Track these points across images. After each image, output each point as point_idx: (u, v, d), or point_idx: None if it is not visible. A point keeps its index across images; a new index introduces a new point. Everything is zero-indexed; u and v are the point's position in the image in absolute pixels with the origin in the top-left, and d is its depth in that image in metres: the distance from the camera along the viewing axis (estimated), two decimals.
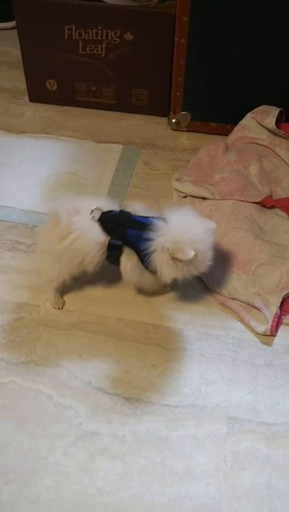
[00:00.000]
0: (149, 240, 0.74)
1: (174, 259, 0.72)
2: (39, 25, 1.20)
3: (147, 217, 0.78)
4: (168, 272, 0.75)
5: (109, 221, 0.78)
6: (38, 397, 0.76)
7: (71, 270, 0.81)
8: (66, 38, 1.21)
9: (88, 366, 0.80)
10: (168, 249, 0.73)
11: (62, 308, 0.88)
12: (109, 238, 0.78)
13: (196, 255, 0.71)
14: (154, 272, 0.77)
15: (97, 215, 0.78)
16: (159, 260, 0.74)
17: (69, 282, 0.85)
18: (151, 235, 0.74)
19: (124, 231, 0.77)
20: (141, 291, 0.90)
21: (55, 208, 0.78)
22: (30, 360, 0.81)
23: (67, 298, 0.90)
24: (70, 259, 0.79)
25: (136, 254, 0.77)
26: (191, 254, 0.70)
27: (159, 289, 0.88)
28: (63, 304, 0.89)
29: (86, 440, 0.72)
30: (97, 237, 0.77)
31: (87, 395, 0.77)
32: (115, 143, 1.23)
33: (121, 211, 0.80)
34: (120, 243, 0.77)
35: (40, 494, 0.67)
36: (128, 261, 0.79)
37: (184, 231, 0.72)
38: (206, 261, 0.75)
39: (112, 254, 0.79)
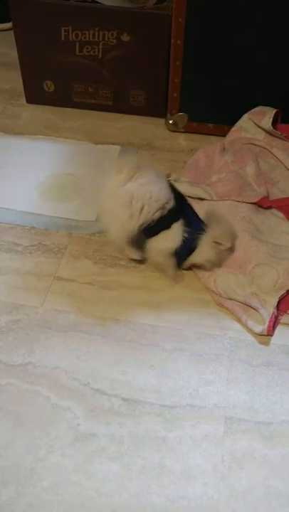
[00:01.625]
0: (200, 224, 0.89)
1: (216, 243, 0.88)
2: (36, 26, 1.20)
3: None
4: (206, 252, 0.89)
5: (176, 191, 0.89)
6: (36, 398, 0.76)
7: (133, 218, 0.86)
8: (63, 39, 1.21)
9: (86, 367, 0.80)
10: (212, 237, 0.88)
11: (142, 258, 0.94)
12: (171, 204, 0.86)
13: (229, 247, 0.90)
14: (190, 249, 0.88)
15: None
16: (204, 240, 0.88)
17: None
18: (201, 223, 0.89)
19: (184, 206, 0.89)
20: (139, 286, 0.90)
21: (119, 162, 0.92)
22: (28, 362, 0.81)
23: (64, 299, 0.90)
24: (135, 207, 0.84)
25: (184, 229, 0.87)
26: (230, 243, 0.90)
27: (173, 271, 0.93)
28: (142, 256, 0.93)
29: (84, 441, 0.72)
30: (159, 190, 0.85)
31: (85, 396, 0.77)
32: (113, 144, 1.23)
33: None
34: (177, 215, 0.86)
35: (39, 496, 0.67)
36: (180, 229, 0.87)
37: (223, 228, 0.91)
38: (227, 255, 0.92)
39: (171, 216, 0.86)
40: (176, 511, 0.66)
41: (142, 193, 0.84)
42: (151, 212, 0.85)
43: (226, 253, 0.91)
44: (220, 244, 0.88)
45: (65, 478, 0.69)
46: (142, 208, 0.84)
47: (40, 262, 0.96)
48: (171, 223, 0.86)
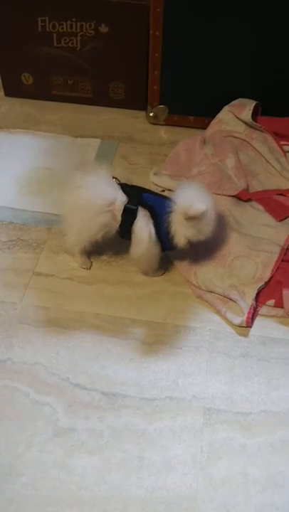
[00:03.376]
0: (166, 203, 0.81)
1: (188, 219, 0.79)
2: (11, 17, 1.18)
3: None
4: (183, 232, 0.81)
5: (126, 185, 0.84)
6: (15, 394, 0.76)
7: (86, 230, 0.85)
8: (40, 30, 1.19)
9: (65, 363, 0.80)
10: (181, 211, 0.79)
11: (89, 268, 0.92)
12: (123, 201, 0.82)
13: (204, 214, 0.79)
14: (168, 234, 0.82)
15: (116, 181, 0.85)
16: (176, 221, 0.81)
17: (91, 247, 0.89)
18: (167, 200, 0.82)
19: (141, 195, 0.83)
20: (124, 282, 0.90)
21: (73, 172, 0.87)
22: (7, 359, 0.80)
23: (43, 295, 0.89)
24: (82, 215, 0.84)
25: (152, 217, 0.82)
26: (204, 207, 0.78)
27: (154, 270, 0.91)
28: (91, 264, 0.92)
29: (63, 436, 0.72)
30: (105, 193, 0.82)
31: (64, 391, 0.77)
32: (93, 137, 1.22)
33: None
34: (136, 207, 0.82)
35: (18, 491, 0.67)
36: (145, 227, 0.83)
37: (193, 195, 0.81)
38: (209, 225, 0.83)
39: (127, 218, 0.82)
40: (156, 502, 0.67)
41: (85, 198, 0.82)
42: (98, 216, 0.82)
43: (204, 221, 0.81)
44: (192, 217, 0.79)
45: (44, 473, 0.69)
46: (90, 213, 0.82)
47: (19, 258, 0.95)
48: (130, 224, 0.82)
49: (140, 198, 0.83)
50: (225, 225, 0.96)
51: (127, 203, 0.82)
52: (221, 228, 0.95)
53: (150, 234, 0.83)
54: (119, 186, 0.84)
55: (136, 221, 0.83)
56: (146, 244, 0.84)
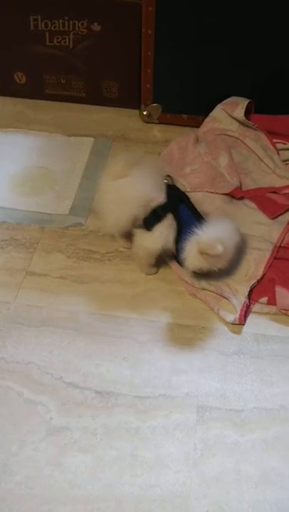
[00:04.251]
0: (195, 224, 0.82)
1: (203, 253, 0.80)
2: (4, 16, 1.17)
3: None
4: (193, 260, 0.82)
5: (174, 189, 0.86)
6: (8, 394, 0.76)
7: (121, 218, 0.86)
8: (32, 28, 1.19)
9: (59, 362, 0.80)
10: (198, 243, 0.80)
11: (130, 248, 0.92)
12: (158, 203, 0.84)
13: (218, 255, 0.79)
14: (180, 253, 0.83)
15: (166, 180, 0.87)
16: (191, 248, 0.81)
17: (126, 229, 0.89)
18: (200, 221, 0.83)
19: (179, 205, 0.85)
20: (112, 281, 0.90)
21: (116, 158, 0.90)
22: (0, 358, 0.80)
23: (36, 294, 0.89)
24: (121, 204, 0.85)
25: (177, 229, 0.84)
26: (221, 249, 0.78)
27: (149, 268, 0.92)
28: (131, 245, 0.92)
29: (57, 435, 0.73)
30: (149, 189, 0.84)
31: (57, 390, 0.77)
32: (86, 136, 1.22)
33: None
34: (163, 214, 0.84)
35: (12, 490, 0.67)
36: (162, 235, 0.84)
37: (218, 233, 0.82)
38: (224, 261, 0.83)
39: (151, 219, 0.84)
40: (149, 499, 0.67)
41: (129, 190, 0.85)
42: (134, 209, 0.84)
43: (220, 260, 0.81)
44: (207, 253, 0.79)
45: (38, 472, 0.69)
46: (129, 205, 0.85)
47: (12, 257, 0.95)
48: (153, 225, 0.84)
49: (175, 207, 0.84)
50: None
51: (160, 206, 0.84)
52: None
53: (164, 243, 0.85)
54: (165, 187, 0.85)
55: (158, 226, 0.84)
56: (154, 249, 0.86)
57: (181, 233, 0.82)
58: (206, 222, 0.84)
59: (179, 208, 0.84)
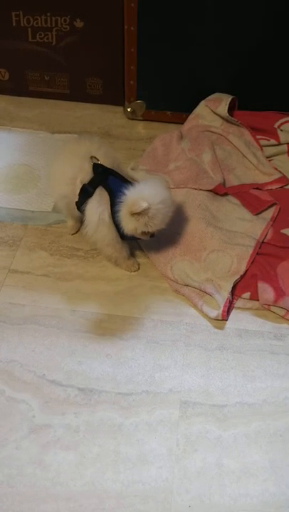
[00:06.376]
0: (124, 192, 0.81)
1: (133, 214, 0.79)
2: None
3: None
4: (126, 223, 0.81)
5: (100, 166, 0.85)
6: None
7: (55, 195, 0.93)
8: (14, 24, 1.17)
9: (41, 359, 0.80)
10: (126, 205, 0.80)
11: (75, 233, 0.97)
12: (84, 180, 0.84)
13: (147, 211, 0.78)
14: (118, 223, 0.82)
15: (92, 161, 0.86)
16: (122, 212, 0.81)
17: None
18: (125, 189, 0.81)
19: (107, 177, 0.85)
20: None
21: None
22: None
23: (19, 292, 0.89)
24: (52, 181, 0.92)
25: (110, 200, 0.83)
26: (144, 205, 0.78)
27: (124, 261, 0.91)
28: (77, 229, 0.97)
29: (39, 433, 0.72)
30: (73, 166, 0.86)
31: (40, 388, 0.77)
32: (70, 133, 1.21)
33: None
34: (92, 189, 0.84)
35: None
36: (96, 208, 0.84)
37: (145, 190, 0.81)
38: (159, 220, 0.81)
39: (82, 197, 0.85)
40: (131, 495, 0.67)
41: (56, 167, 0.89)
42: (61, 187, 0.87)
43: (150, 216, 0.79)
44: (134, 212, 0.78)
45: (20, 470, 0.69)
46: (54, 182, 0.89)
47: None
48: (85, 201, 0.85)
49: (104, 181, 0.84)
50: (200, 220, 0.96)
51: (88, 183, 0.84)
52: (197, 223, 0.95)
53: (100, 216, 0.84)
54: (91, 165, 0.85)
55: (88, 201, 0.84)
56: (95, 225, 0.85)
57: (114, 204, 0.82)
58: (129, 188, 0.81)
59: (108, 180, 0.84)
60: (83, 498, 0.67)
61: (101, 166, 0.85)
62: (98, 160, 0.86)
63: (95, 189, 0.84)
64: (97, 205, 0.83)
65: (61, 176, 0.87)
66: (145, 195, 0.79)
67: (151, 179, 0.88)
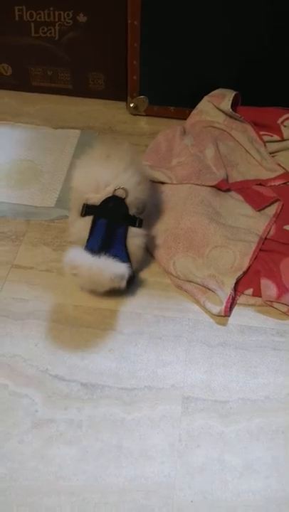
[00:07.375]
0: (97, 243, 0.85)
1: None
2: None
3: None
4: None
5: (113, 201, 0.87)
6: None
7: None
8: (17, 19, 1.17)
9: (44, 354, 0.80)
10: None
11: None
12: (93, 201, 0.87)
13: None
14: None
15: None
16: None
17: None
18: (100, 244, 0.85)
19: (98, 219, 0.87)
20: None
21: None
22: None
23: (22, 287, 0.89)
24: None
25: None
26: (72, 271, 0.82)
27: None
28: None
29: (42, 427, 0.72)
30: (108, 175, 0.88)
31: (43, 382, 0.77)
32: (73, 128, 1.21)
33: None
34: (86, 212, 0.88)
35: None
36: (81, 226, 0.88)
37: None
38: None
39: (82, 208, 0.88)
40: (134, 490, 0.68)
41: (96, 176, 0.87)
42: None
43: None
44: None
45: (23, 464, 0.69)
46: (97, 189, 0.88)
47: None
48: (81, 213, 0.88)
49: (96, 218, 0.86)
50: (203, 216, 0.96)
51: (90, 205, 0.87)
52: (200, 219, 0.95)
53: (78, 234, 0.88)
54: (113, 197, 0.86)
55: (81, 219, 0.88)
56: (73, 233, 0.90)
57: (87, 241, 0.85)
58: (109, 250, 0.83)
59: (98, 221, 0.86)
60: (86, 493, 0.67)
61: (117, 201, 0.86)
62: (127, 193, 0.86)
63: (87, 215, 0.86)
64: (81, 228, 0.87)
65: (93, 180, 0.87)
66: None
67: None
